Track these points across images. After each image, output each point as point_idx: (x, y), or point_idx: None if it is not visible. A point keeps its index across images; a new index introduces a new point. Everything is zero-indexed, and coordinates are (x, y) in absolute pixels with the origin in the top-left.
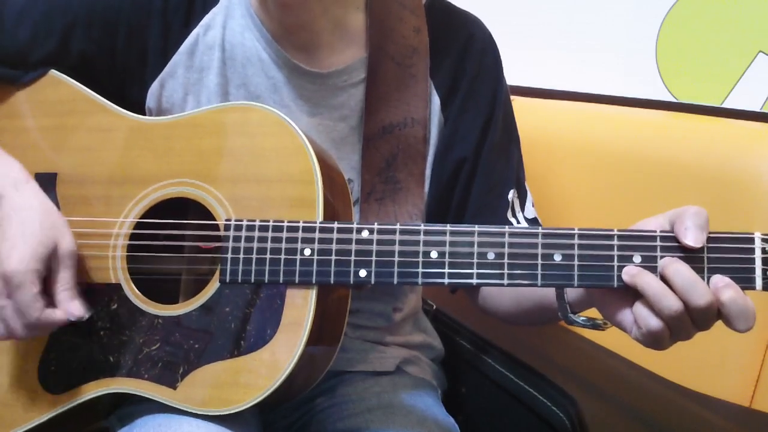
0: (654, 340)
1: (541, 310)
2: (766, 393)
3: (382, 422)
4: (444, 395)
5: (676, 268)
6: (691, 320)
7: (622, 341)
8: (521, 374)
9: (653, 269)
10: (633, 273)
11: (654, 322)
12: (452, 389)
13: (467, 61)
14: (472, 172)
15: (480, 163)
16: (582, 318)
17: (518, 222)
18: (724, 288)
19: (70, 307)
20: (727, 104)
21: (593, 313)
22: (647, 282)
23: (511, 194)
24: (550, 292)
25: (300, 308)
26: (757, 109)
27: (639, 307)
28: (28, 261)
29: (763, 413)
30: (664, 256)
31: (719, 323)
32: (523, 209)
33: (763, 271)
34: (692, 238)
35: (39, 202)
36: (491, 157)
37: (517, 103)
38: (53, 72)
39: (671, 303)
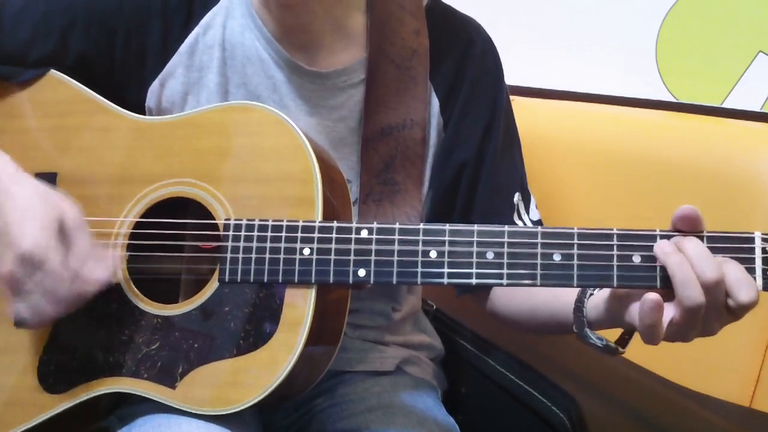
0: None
1: (556, 322)
2: (766, 393)
3: (382, 422)
4: (444, 395)
5: (692, 239)
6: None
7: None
8: (521, 374)
9: (653, 269)
10: (666, 251)
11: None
12: (452, 389)
13: (468, 65)
14: (475, 176)
15: (484, 167)
16: (596, 336)
17: (524, 224)
18: (725, 262)
19: (97, 271)
20: (727, 104)
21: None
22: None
23: (516, 197)
24: (568, 304)
25: (299, 308)
26: (757, 109)
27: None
28: (43, 235)
29: (763, 413)
30: None
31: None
32: (528, 211)
33: (764, 270)
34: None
35: (32, 184)
36: (495, 161)
37: (517, 103)
38: (53, 72)
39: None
